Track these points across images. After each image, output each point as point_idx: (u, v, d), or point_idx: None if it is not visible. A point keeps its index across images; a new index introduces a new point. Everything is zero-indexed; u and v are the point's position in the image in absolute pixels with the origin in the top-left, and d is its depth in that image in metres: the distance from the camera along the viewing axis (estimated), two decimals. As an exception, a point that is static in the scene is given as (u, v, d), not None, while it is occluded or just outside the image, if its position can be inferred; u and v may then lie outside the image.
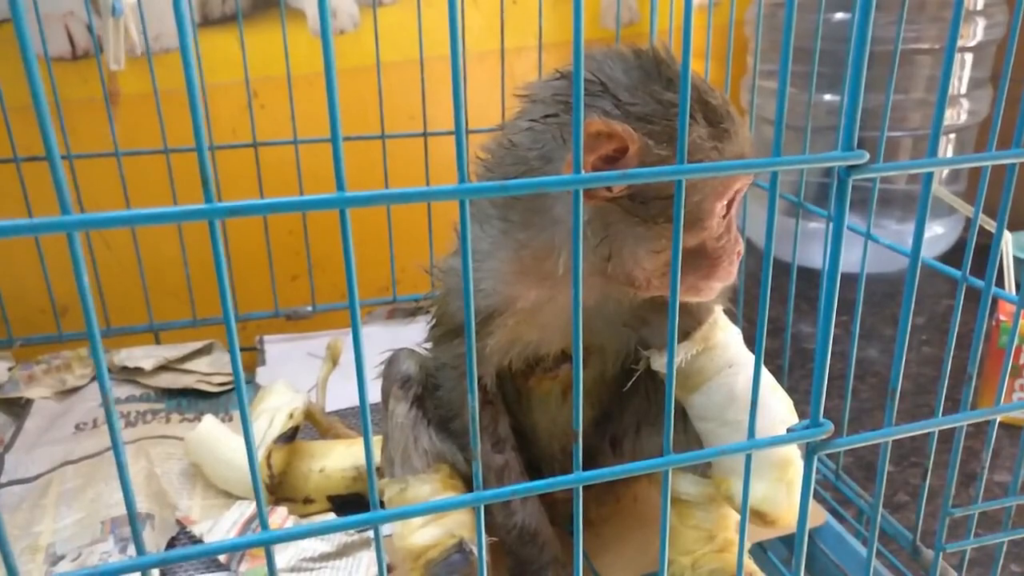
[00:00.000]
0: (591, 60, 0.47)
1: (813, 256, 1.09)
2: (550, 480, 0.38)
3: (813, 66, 0.74)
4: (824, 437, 0.41)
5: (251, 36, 1.04)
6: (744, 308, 0.90)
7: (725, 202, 0.46)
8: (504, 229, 0.50)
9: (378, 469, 0.62)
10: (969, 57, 1.29)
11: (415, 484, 0.57)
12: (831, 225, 0.37)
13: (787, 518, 0.53)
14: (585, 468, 0.66)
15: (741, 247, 0.49)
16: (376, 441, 0.64)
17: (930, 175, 0.39)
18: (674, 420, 0.58)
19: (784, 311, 0.79)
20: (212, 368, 0.89)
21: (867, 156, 0.36)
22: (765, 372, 0.56)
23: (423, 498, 0.56)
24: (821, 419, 0.41)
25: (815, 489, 0.76)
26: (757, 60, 0.80)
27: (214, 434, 0.68)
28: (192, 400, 0.84)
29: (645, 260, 0.47)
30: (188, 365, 0.88)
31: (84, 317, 0.29)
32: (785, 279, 0.77)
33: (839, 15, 1.20)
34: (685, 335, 0.53)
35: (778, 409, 0.54)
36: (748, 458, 0.42)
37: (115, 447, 0.31)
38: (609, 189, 0.45)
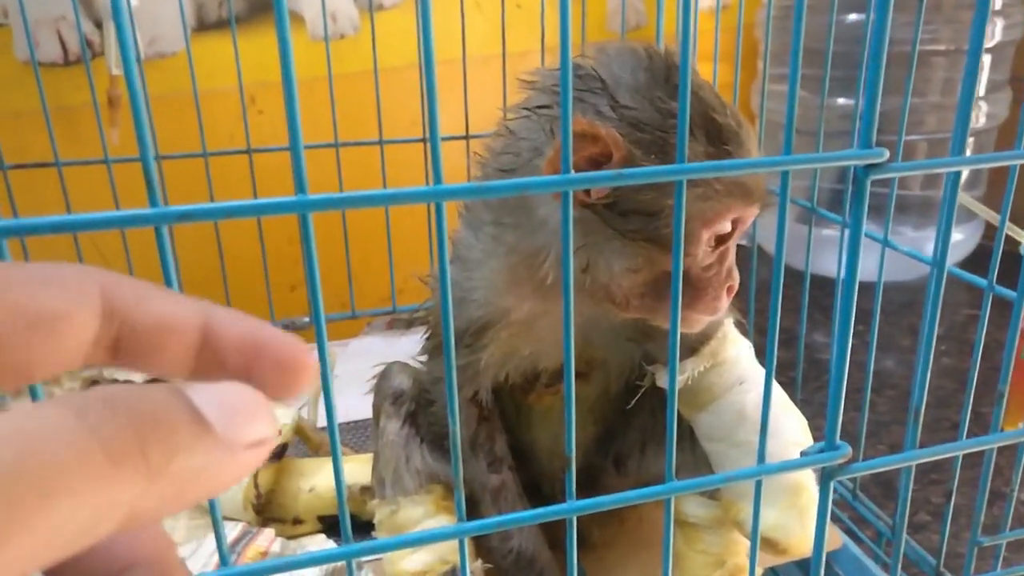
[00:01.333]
0: (602, 54, 0.44)
1: (827, 264, 1.06)
2: (539, 511, 0.34)
3: (826, 68, 0.70)
4: (841, 461, 0.38)
5: (248, 41, 1.02)
6: (756, 318, 0.87)
7: (714, 231, 0.42)
8: (496, 235, 0.47)
9: (368, 489, 0.59)
10: (987, 58, 1.25)
11: (406, 506, 0.54)
12: (847, 231, 0.34)
13: (800, 546, 0.49)
14: (588, 488, 0.62)
15: (735, 282, 0.45)
16: (367, 460, 0.61)
17: (956, 175, 0.35)
18: (682, 439, 0.55)
19: (797, 320, 0.76)
20: (205, 381, 0.86)
21: (887, 154, 0.33)
22: (778, 390, 0.53)
23: (415, 521, 0.53)
24: (838, 441, 0.38)
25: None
26: (767, 63, 0.77)
27: (201, 451, 0.66)
28: (183, 414, 0.81)
29: (621, 277, 0.43)
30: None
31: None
32: (798, 288, 0.74)
33: (853, 16, 1.17)
34: (692, 350, 0.50)
35: (791, 430, 0.50)
36: (758, 484, 0.38)
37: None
38: (587, 193, 0.41)
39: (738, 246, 0.49)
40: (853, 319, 0.35)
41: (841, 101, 1.22)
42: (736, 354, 0.51)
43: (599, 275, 0.44)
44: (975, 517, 0.46)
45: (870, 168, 0.33)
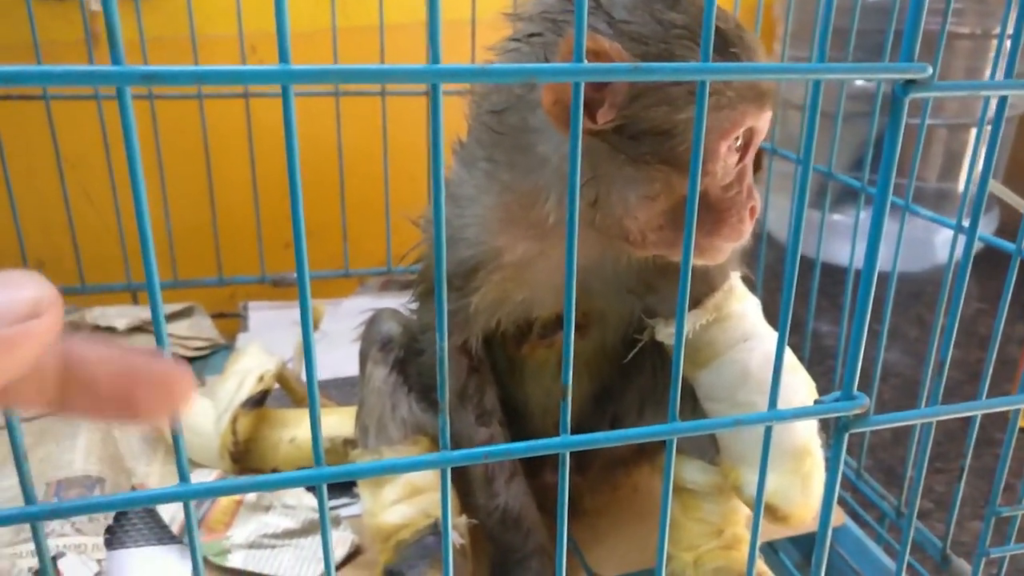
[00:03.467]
0: None
1: (837, 252, 1.03)
2: (531, 443, 0.32)
3: (849, 45, 0.68)
4: (859, 412, 0.35)
5: (253, -12, 0.99)
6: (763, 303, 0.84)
7: (731, 143, 0.40)
8: (489, 171, 0.45)
9: (352, 442, 0.56)
10: (1008, 45, 1.21)
11: (390, 456, 0.51)
12: (883, 150, 0.31)
13: (800, 515, 0.47)
14: (582, 448, 0.59)
15: (756, 203, 0.42)
16: (350, 413, 0.58)
17: (1004, 100, 0.32)
18: (683, 400, 0.52)
19: (804, 306, 0.73)
20: (190, 332, 0.83)
21: (930, 70, 0.30)
22: (786, 351, 0.50)
23: (398, 472, 0.51)
24: (855, 391, 0.35)
25: (833, 489, 0.70)
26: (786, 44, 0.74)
27: (179, 396, 0.63)
28: (165, 364, 0.79)
29: (637, 208, 0.40)
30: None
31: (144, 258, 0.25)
32: (805, 274, 0.71)
33: (876, -6, 1.13)
34: (696, 302, 0.47)
35: (798, 390, 0.48)
36: (768, 431, 0.35)
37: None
38: (593, 120, 0.39)
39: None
40: (880, 243, 0.31)
41: (860, 83, 1.19)
42: (742, 310, 0.48)
43: (612, 208, 0.41)
44: (995, 485, 0.43)
45: (910, 84, 0.30)
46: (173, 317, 0.84)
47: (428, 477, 0.51)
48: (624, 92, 0.38)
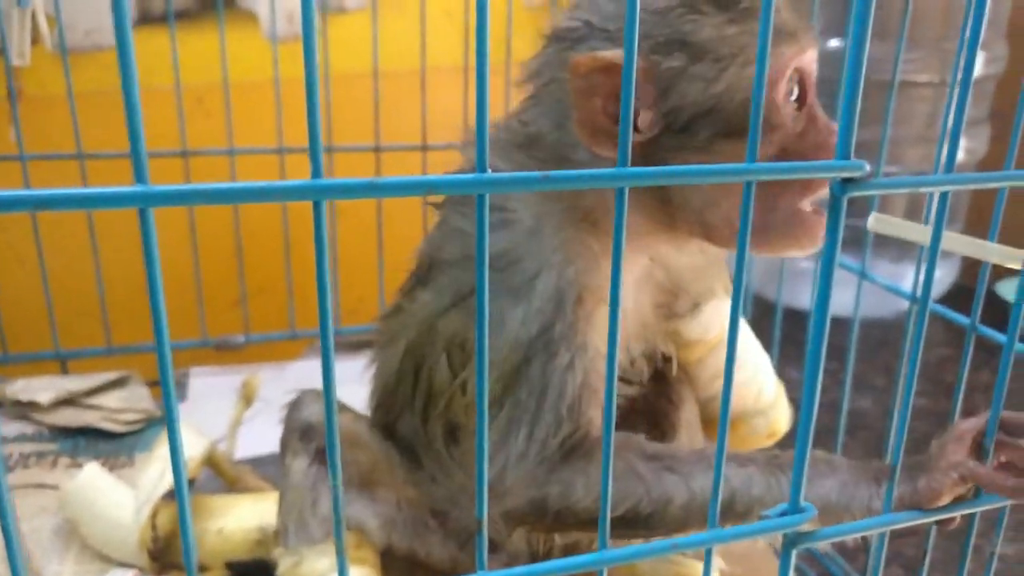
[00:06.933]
0: (575, 7, 0.41)
1: (801, 296, 1.01)
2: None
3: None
4: (806, 527, 0.32)
5: (199, 37, 0.96)
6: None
7: (784, 90, 0.38)
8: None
9: (276, 534, 0.52)
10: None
11: (311, 557, 0.47)
12: (820, 259, 0.29)
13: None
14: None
15: (835, 134, 0.39)
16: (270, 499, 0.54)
17: (946, 195, 0.30)
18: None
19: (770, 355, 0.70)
20: (123, 404, 0.78)
21: (867, 168, 0.28)
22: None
23: (320, 574, 0.46)
24: (803, 503, 0.32)
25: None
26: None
27: (96, 485, 0.58)
28: (92, 441, 0.73)
29: (717, 195, 0.38)
30: (95, 400, 0.78)
31: None
32: (769, 320, 0.69)
33: (834, 42, 1.13)
34: (713, 293, 0.48)
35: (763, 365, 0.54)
36: (708, 553, 0.32)
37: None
38: (638, 130, 0.37)
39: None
40: (823, 359, 0.29)
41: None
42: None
43: (689, 203, 0.39)
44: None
45: (847, 183, 0.28)
46: (106, 388, 0.80)
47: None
48: (651, 92, 0.37)
